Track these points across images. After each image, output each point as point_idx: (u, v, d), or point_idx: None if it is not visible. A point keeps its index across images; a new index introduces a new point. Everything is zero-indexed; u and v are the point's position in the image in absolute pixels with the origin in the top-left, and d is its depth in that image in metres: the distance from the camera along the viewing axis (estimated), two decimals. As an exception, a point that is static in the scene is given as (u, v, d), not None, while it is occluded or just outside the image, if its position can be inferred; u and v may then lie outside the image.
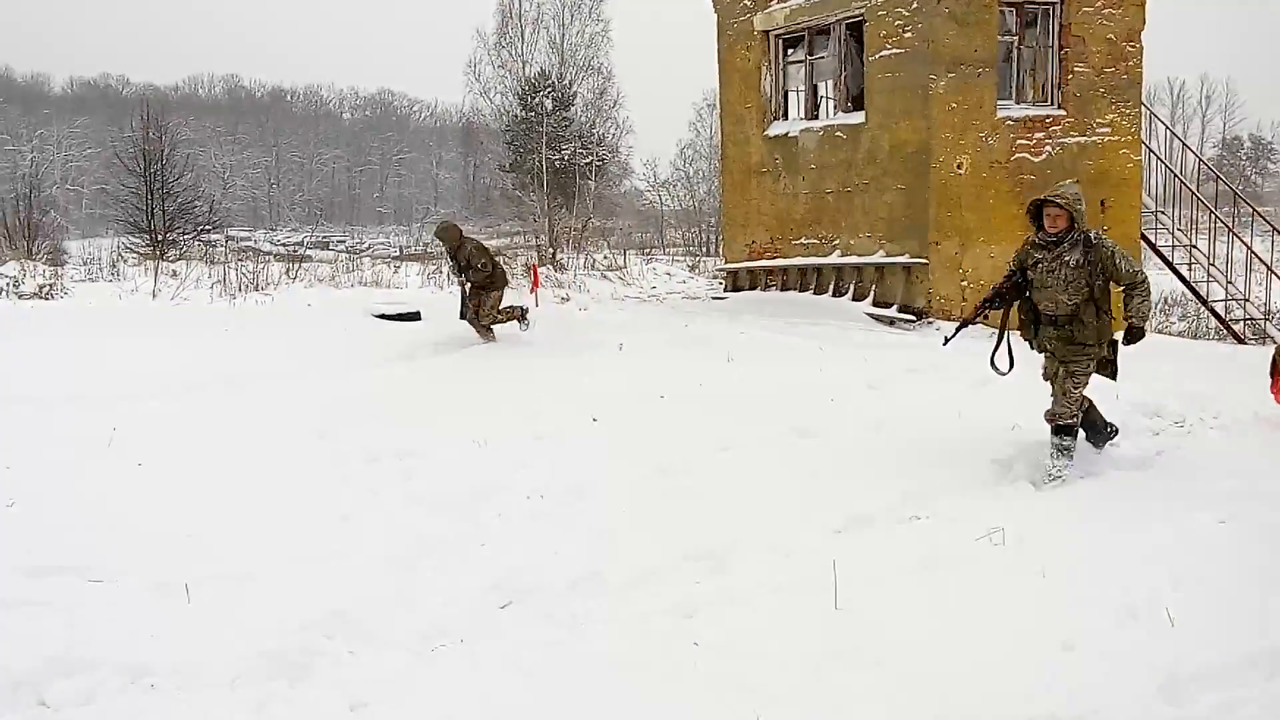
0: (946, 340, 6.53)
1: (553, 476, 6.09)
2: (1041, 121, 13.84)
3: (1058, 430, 5.87)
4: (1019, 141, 13.68)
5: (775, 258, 16.01)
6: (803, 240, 15.57)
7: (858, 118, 14.73)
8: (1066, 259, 5.77)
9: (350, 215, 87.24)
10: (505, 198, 36.74)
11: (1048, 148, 13.79)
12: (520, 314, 10.98)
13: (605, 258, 24.05)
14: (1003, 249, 13.09)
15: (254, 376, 9.38)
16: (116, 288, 16.58)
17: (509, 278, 11.13)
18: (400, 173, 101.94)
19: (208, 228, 28.77)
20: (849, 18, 14.78)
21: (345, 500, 5.79)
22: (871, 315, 13.73)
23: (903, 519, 5.31)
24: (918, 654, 3.71)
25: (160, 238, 26.31)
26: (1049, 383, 6.05)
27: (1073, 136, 13.88)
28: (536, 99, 35.69)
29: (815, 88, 16.25)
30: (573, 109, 37.43)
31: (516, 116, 37.19)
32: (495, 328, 10.93)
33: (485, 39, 37.39)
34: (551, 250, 24.06)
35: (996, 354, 6.13)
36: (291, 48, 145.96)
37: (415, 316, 13.59)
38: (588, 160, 35.99)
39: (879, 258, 14.13)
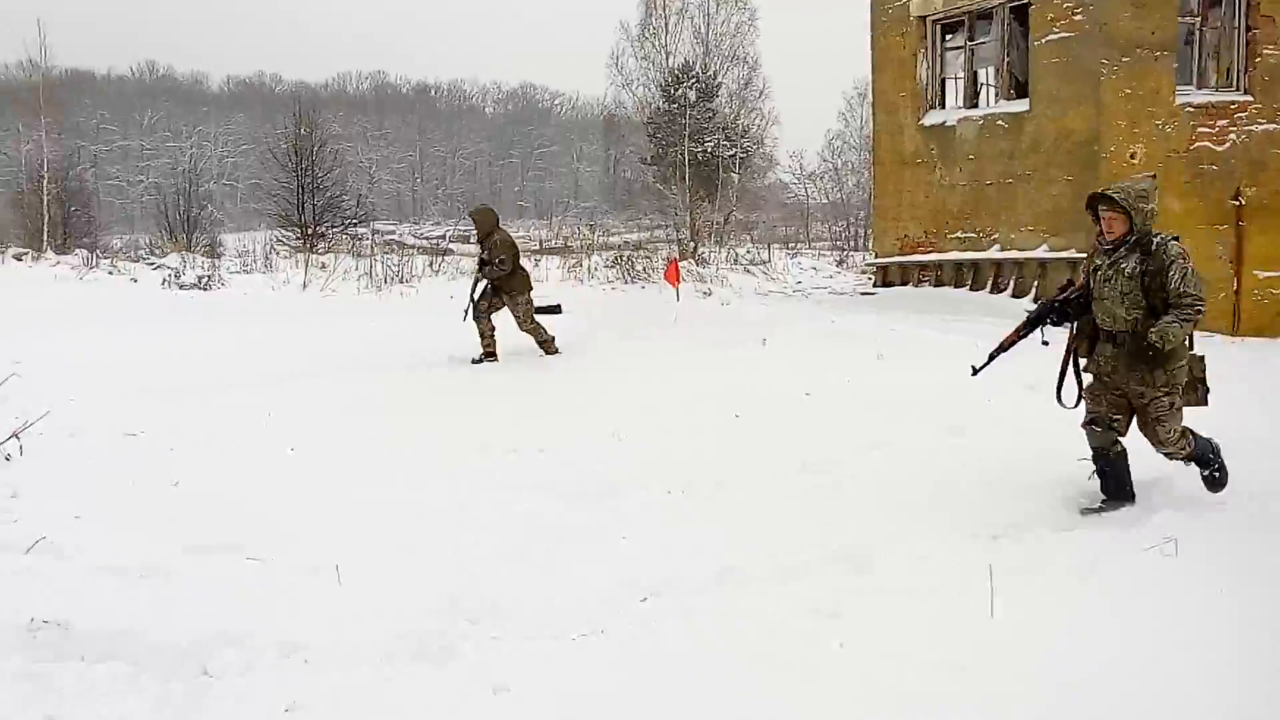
0: (975, 370, 5.66)
1: (694, 471, 6.15)
2: (1225, 108, 13.20)
3: (1191, 462, 5.32)
4: (1200, 130, 13.09)
5: (929, 252, 15.73)
6: (959, 234, 15.24)
7: (1021, 105, 14.35)
8: (1123, 266, 5.04)
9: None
10: (646, 191, 37.04)
11: (1232, 136, 13.15)
12: (549, 340, 10.39)
13: (748, 251, 24.01)
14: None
15: (398, 366, 9.76)
16: (269, 279, 17.50)
17: (532, 282, 10.52)
18: (541, 166, 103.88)
19: (354, 222, 29.99)
20: (1014, 0, 14.39)
21: (487, 488, 5.99)
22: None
23: (1063, 526, 5.17)
24: (1077, 667, 3.61)
25: (310, 231, 27.54)
26: (1088, 427, 5.32)
27: (1260, 124, 13.20)
28: (680, 90, 35.79)
29: (975, 74, 15.90)
30: (717, 100, 37.38)
31: (659, 108, 37.36)
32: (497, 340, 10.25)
33: (628, 30, 37.71)
34: (693, 244, 24.15)
35: (1063, 387, 5.41)
36: (436, 44, 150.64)
37: (556, 309, 13.84)
38: (731, 152, 35.91)
39: (1042, 253, 13.72)
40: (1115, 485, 5.31)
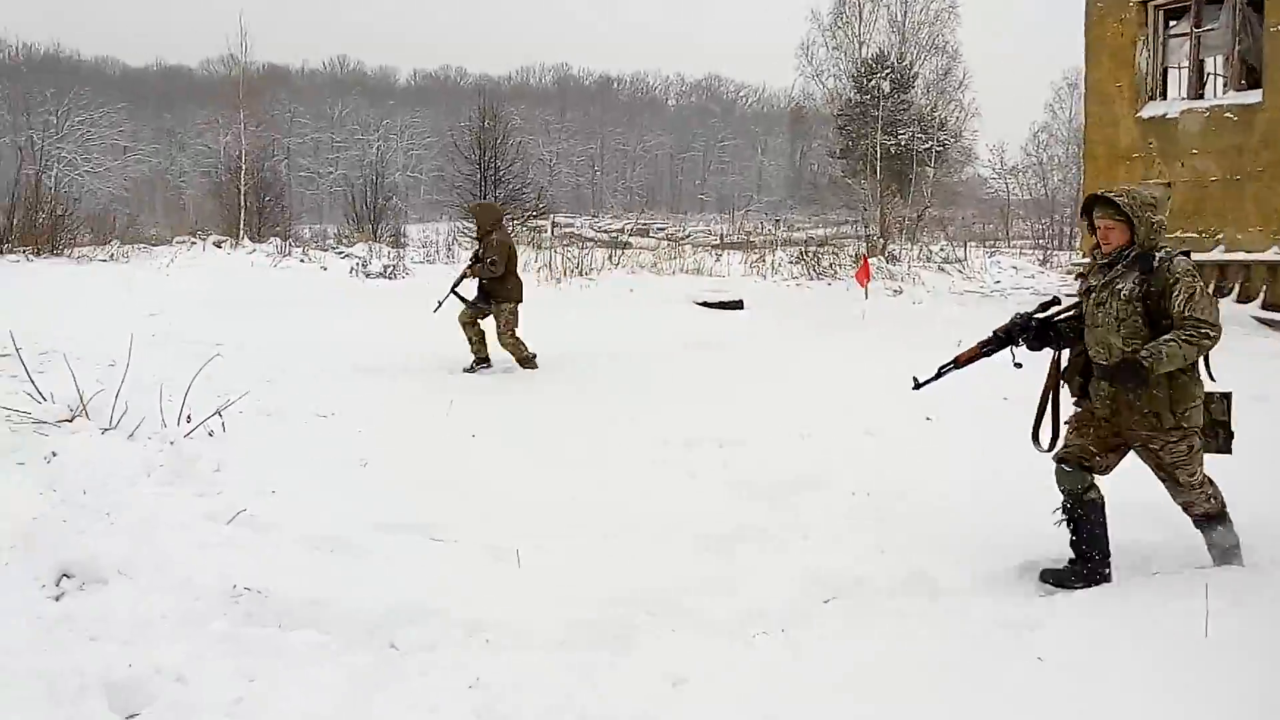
0: (918, 384, 5.12)
1: (881, 473, 6.12)
2: None
3: (1203, 523, 4.54)
4: None
5: (1143, 253, 15.06)
6: (1178, 234, 14.50)
7: (1253, 97, 13.57)
8: (1119, 287, 4.32)
9: (672, 202, 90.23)
10: (834, 185, 36.69)
11: None
12: (530, 358, 9.78)
13: (942, 249, 23.49)
14: None
15: (578, 357, 10.02)
16: (451, 269, 18.17)
17: (523, 293, 9.97)
18: (724, 160, 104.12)
19: (535, 214, 30.82)
20: (1248, -18, 13.64)
21: (665, 482, 6.10)
22: (1260, 320, 12.60)
23: (1292, 549, 4.88)
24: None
25: (491, 223, 28.43)
26: (1057, 466, 4.58)
27: None
28: (873, 81, 35.31)
29: (1201, 64, 15.11)
30: (912, 91, 36.70)
31: (850, 100, 36.95)
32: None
33: (820, 19, 37.46)
34: (882, 240, 23.78)
35: (1040, 427, 4.71)
36: (620, 36, 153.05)
37: (738, 305, 13.95)
38: (926, 145, 35.19)
39: (1272, 255, 12.96)
40: (1087, 540, 4.52)
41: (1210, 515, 4.51)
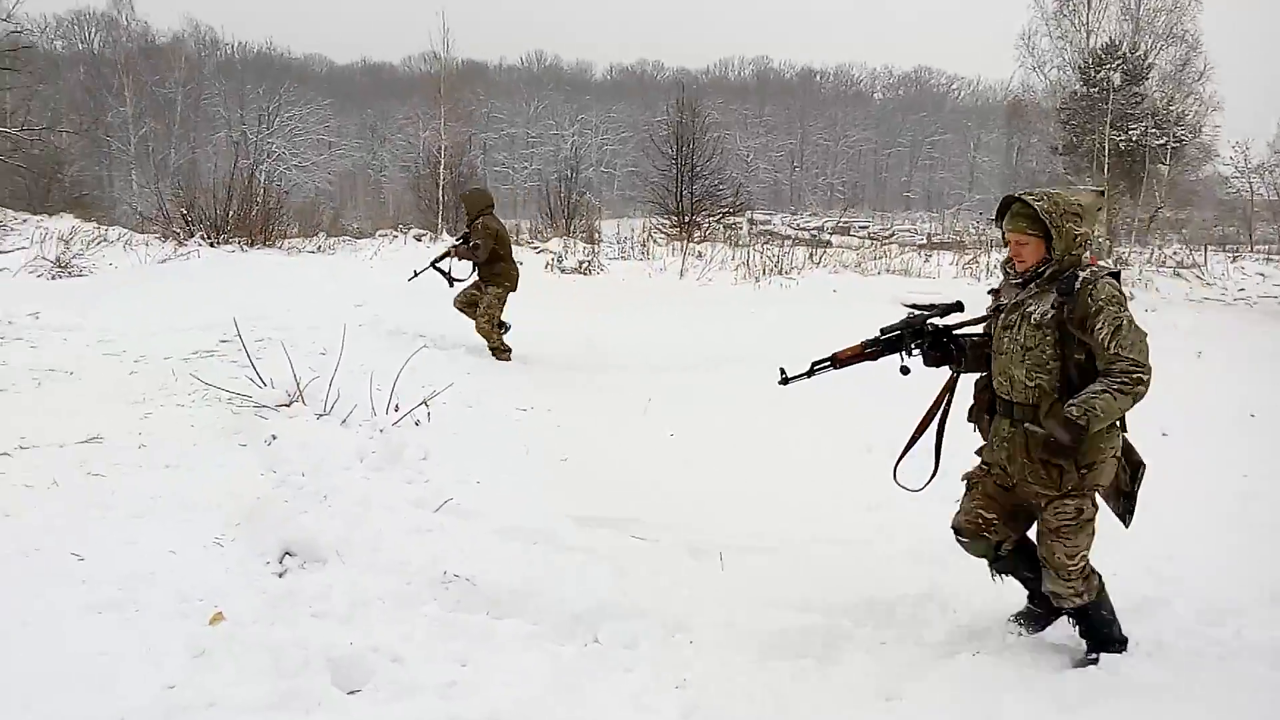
0: (785, 379, 4.53)
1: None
2: None
3: (1083, 619, 3.92)
4: None
5: None
6: None
7: None
8: (1030, 309, 3.74)
9: (876, 200, 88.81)
10: (1054, 183, 35.33)
11: None
12: (502, 350, 9.86)
13: (1176, 253, 22.35)
14: None
15: (778, 359, 9.97)
16: (646, 266, 18.48)
17: (517, 282, 10.16)
18: (932, 155, 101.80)
19: (731, 211, 30.96)
20: None
21: (873, 490, 6.01)
22: None
23: None
24: None
25: (686, 219, 28.74)
26: (956, 535, 4.10)
27: None
28: (1101, 73, 33.87)
29: None
30: (1146, 83, 35.00)
31: (1075, 93, 35.56)
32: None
33: (1044, 7, 36.22)
34: (1109, 243, 22.81)
35: (903, 456, 4.26)
36: (823, 27, 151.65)
37: (958, 307, 13.64)
38: (1161, 142, 33.50)
39: None
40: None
41: (1086, 613, 3.89)
